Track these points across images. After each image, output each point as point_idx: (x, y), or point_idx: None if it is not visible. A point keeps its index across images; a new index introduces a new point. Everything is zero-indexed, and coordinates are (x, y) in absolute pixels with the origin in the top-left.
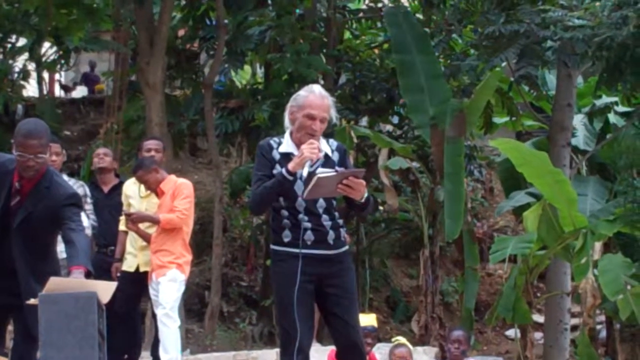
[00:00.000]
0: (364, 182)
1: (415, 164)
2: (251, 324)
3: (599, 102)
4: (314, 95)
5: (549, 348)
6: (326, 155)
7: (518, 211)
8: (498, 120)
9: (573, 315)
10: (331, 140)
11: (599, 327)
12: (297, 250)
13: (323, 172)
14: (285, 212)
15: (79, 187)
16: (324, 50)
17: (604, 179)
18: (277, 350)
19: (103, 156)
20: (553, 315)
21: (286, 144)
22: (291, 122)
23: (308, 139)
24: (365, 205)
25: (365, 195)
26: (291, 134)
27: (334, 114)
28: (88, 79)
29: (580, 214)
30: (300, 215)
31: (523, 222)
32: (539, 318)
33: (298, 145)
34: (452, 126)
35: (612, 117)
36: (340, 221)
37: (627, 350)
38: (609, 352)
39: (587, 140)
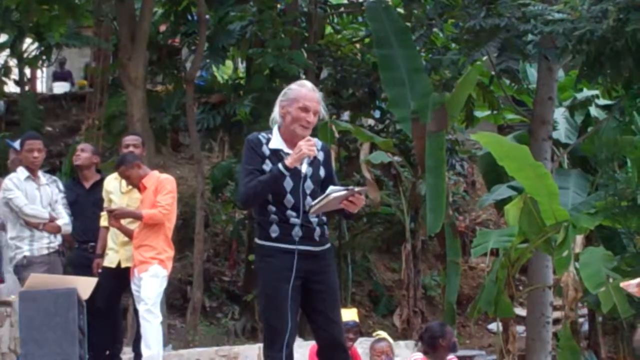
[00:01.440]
0: (364, 199)
1: (396, 158)
2: (233, 319)
3: (580, 96)
4: (306, 89)
5: (531, 341)
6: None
7: (500, 205)
8: (479, 113)
9: (555, 309)
10: (316, 140)
11: (581, 320)
12: (286, 246)
13: (336, 190)
14: (272, 208)
15: (51, 182)
16: (306, 45)
17: (585, 172)
18: (260, 345)
19: (80, 152)
20: (535, 308)
21: (275, 140)
22: (282, 116)
23: (301, 132)
24: (353, 216)
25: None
26: (279, 129)
27: (323, 108)
28: (57, 77)
29: (561, 207)
30: (289, 211)
31: (504, 216)
32: (521, 311)
33: (288, 141)
34: (433, 120)
35: (593, 110)
36: (325, 218)
37: (610, 343)
38: (591, 345)
39: (568, 134)
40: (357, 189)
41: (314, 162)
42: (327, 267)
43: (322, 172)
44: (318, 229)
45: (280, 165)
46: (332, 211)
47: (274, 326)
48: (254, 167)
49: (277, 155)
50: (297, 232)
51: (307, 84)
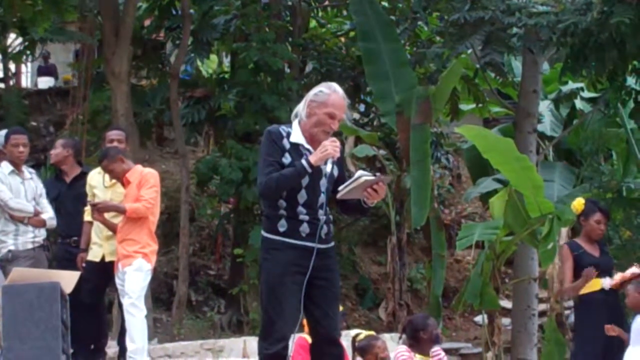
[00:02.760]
0: (385, 188)
1: (381, 152)
2: (219, 313)
3: (565, 88)
4: (337, 95)
5: (517, 333)
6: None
7: (486, 198)
8: (465, 107)
9: (541, 301)
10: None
11: (567, 312)
12: (293, 241)
13: (365, 175)
14: (283, 203)
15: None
16: (290, 39)
17: (570, 164)
18: (245, 338)
19: (51, 151)
20: (521, 301)
21: (296, 135)
22: (308, 115)
23: (323, 136)
24: (369, 209)
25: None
26: (299, 124)
27: (347, 115)
28: (42, 72)
29: (546, 200)
30: (299, 208)
31: (490, 209)
32: (507, 304)
33: (309, 138)
34: (418, 113)
35: (578, 103)
36: (331, 217)
37: None
38: None
39: (553, 126)
40: (382, 176)
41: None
42: (331, 264)
43: (335, 171)
44: (325, 227)
45: (305, 162)
46: (350, 209)
47: (272, 319)
48: (275, 159)
49: (297, 149)
50: (304, 228)
51: (339, 90)
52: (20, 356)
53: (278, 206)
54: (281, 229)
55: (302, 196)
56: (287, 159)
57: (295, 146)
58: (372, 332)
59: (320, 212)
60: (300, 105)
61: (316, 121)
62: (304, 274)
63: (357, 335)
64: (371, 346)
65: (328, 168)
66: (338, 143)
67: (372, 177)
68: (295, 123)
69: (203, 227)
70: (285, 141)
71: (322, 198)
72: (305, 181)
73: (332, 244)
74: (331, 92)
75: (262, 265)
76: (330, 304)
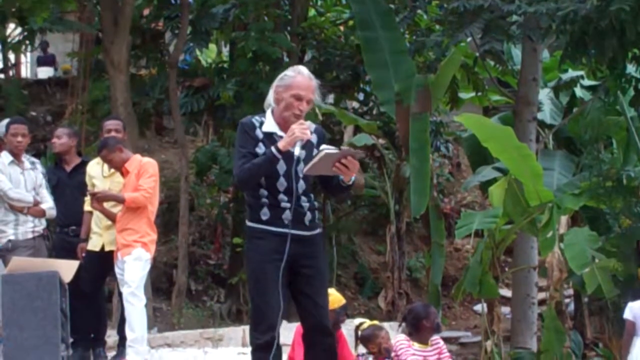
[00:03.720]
0: (358, 164)
1: (380, 141)
2: (219, 302)
3: (565, 76)
4: (302, 77)
5: (516, 322)
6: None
7: (485, 186)
8: (464, 95)
9: (540, 289)
10: (309, 122)
11: (567, 300)
12: (276, 229)
13: (328, 148)
14: (264, 191)
15: (33, 165)
16: (289, 28)
17: (570, 153)
18: (245, 327)
19: (55, 140)
20: (520, 289)
21: (269, 124)
22: (276, 101)
23: (294, 119)
24: (348, 187)
25: (353, 177)
26: (272, 112)
27: (318, 95)
28: (41, 62)
29: (546, 188)
30: (280, 195)
31: (489, 197)
32: (506, 292)
33: (281, 125)
34: (417, 102)
35: (578, 91)
36: (316, 203)
37: (595, 323)
38: (577, 325)
39: (553, 115)
40: (348, 149)
41: (307, 145)
42: (316, 251)
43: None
44: (309, 214)
45: (273, 148)
46: (330, 188)
47: (260, 308)
48: (248, 150)
49: (270, 138)
50: (287, 215)
51: (304, 72)
52: (20, 345)
53: (260, 195)
54: (264, 217)
55: (282, 184)
56: (260, 148)
57: (269, 135)
58: (376, 322)
59: (303, 198)
60: (269, 93)
61: (284, 106)
62: (289, 262)
63: (360, 324)
64: (375, 336)
65: (296, 152)
66: (307, 125)
67: (336, 151)
68: (268, 112)
69: (202, 216)
70: (258, 131)
71: (302, 184)
72: (282, 169)
73: (318, 230)
74: (296, 74)
75: (247, 254)
76: (318, 292)
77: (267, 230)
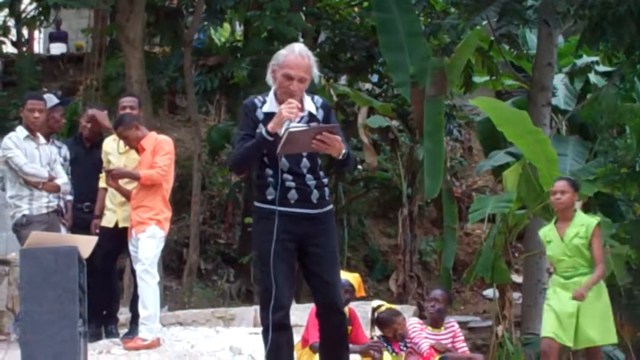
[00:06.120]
0: (338, 138)
1: (394, 123)
2: (229, 282)
3: (579, 62)
4: (294, 55)
5: (527, 308)
6: (310, 114)
7: (497, 171)
8: (478, 79)
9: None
10: (316, 98)
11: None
12: (280, 208)
13: (295, 127)
14: (269, 171)
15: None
16: (304, 8)
17: (584, 138)
18: (256, 307)
19: (85, 124)
20: (531, 275)
21: (270, 103)
22: (273, 80)
23: (286, 99)
24: (345, 162)
25: (344, 151)
26: (275, 92)
27: (315, 73)
28: (53, 38)
29: (560, 174)
30: (285, 175)
31: (502, 182)
32: (517, 278)
33: (281, 104)
34: (432, 85)
35: (592, 77)
36: (325, 180)
37: None
38: None
39: (567, 100)
40: (320, 125)
41: (311, 121)
42: (325, 230)
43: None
44: (316, 192)
45: (263, 130)
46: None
47: (267, 288)
48: (246, 132)
49: (271, 118)
50: (292, 195)
51: (296, 50)
52: (38, 319)
53: (265, 175)
54: (269, 197)
55: (284, 164)
56: (261, 129)
57: (270, 115)
58: (393, 306)
59: (309, 176)
60: (268, 72)
61: (278, 84)
62: (295, 241)
63: (378, 306)
64: (391, 321)
65: (281, 132)
66: (294, 104)
67: (302, 128)
68: (271, 92)
69: (213, 195)
70: (259, 111)
71: (306, 162)
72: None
73: (328, 208)
74: (289, 52)
75: (253, 234)
76: (327, 270)
77: (272, 210)
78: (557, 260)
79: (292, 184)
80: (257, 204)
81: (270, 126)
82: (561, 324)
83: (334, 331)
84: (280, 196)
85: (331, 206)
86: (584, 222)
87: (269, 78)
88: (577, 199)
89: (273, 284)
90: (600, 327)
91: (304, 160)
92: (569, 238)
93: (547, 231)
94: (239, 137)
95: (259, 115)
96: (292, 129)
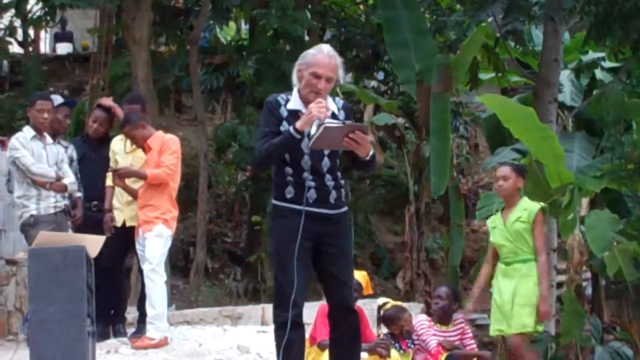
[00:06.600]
0: (369, 138)
1: (400, 120)
2: (236, 280)
3: (585, 58)
4: (322, 55)
5: None
6: (333, 114)
7: None
8: (484, 76)
9: (559, 272)
10: (337, 99)
11: (584, 284)
12: (299, 207)
13: (331, 123)
14: (289, 169)
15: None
16: (310, 6)
17: (590, 135)
18: (263, 306)
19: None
20: None
21: (294, 101)
22: (298, 79)
23: (314, 97)
24: (370, 163)
25: (371, 152)
26: (299, 91)
27: (341, 74)
28: (59, 38)
29: (567, 170)
30: (305, 174)
31: None
32: None
33: (305, 103)
34: (438, 82)
35: (598, 73)
36: (342, 181)
37: (613, 307)
38: (594, 309)
39: (573, 96)
40: (355, 124)
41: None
42: (341, 230)
43: None
44: (334, 192)
45: (291, 128)
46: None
47: (282, 285)
48: (270, 129)
49: (295, 116)
50: (311, 194)
51: (325, 50)
52: (46, 319)
53: (285, 173)
54: (288, 196)
55: (306, 162)
56: (284, 126)
57: (294, 113)
58: (399, 303)
59: (328, 177)
60: (293, 72)
61: (305, 83)
62: (311, 240)
63: (384, 304)
64: (397, 318)
65: (313, 131)
66: (324, 103)
67: (338, 125)
68: (294, 90)
69: (220, 194)
70: (282, 109)
71: (327, 162)
72: (306, 147)
73: (344, 209)
74: (317, 52)
75: (271, 232)
76: (343, 270)
77: (291, 209)
78: (499, 246)
79: (312, 184)
80: (275, 202)
81: (299, 124)
82: (505, 317)
83: (349, 330)
84: (299, 195)
85: (347, 208)
86: (527, 207)
87: (294, 78)
88: (584, 195)
89: (295, 282)
90: (533, 315)
91: (325, 159)
92: (510, 222)
93: (494, 218)
94: (262, 133)
95: (283, 113)
96: (328, 125)
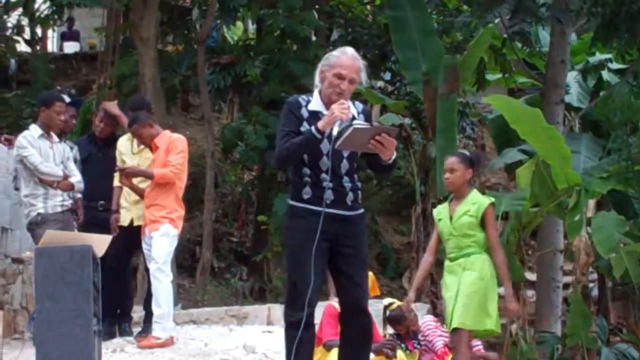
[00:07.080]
0: (395, 142)
1: (407, 120)
2: (242, 280)
3: (592, 59)
4: (346, 56)
5: (541, 306)
6: (352, 117)
7: (510, 168)
8: (490, 77)
9: (565, 273)
10: (357, 103)
11: (590, 285)
12: (316, 208)
13: (359, 124)
14: (307, 170)
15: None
16: (317, 6)
17: (597, 136)
18: (269, 306)
19: (103, 125)
20: (545, 273)
21: (315, 102)
22: (321, 80)
23: (336, 98)
24: (392, 166)
25: (394, 156)
26: (320, 92)
27: (364, 76)
28: (66, 37)
29: (573, 171)
30: (323, 175)
31: (516, 179)
32: (531, 276)
33: (327, 104)
34: (445, 82)
35: (605, 74)
36: (359, 184)
37: (619, 308)
38: (600, 310)
39: (580, 98)
40: (383, 126)
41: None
42: (357, 232)
43: None
44: (351, 194)
45: (312, 128)
46: (373, 165)
47: (296, 285)
48: (290, 129)
49: (315, 117)
50: (329, 195)
51: (348, 52)
52: (52, 318)
53: (303, 174)
54: (305, 196)
55: (325, 163)
56: (305, 127)
57: (314, 114)
58: (405, 303)
59: (346, 178)
60: (315, 73)
61: (328, 84)
62: (328, 241)
63: (390, 304)
64: (403, 318)
65: (335, 132)
66: (347, 105)
67: (366, 126)
68: (315, 92)
69: (226, 193)
70: (303, 110)
71: (345, 164)
72: (325, 148)
73: (360, 211)
74: (340, 54)
75: (287, 232)
76: (358, 272)
77: (308, 209)
78: (445, 240)
79: (330, 185)
80: (292, 202)
81: (320, 124)
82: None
83: (361, 332)
84: (316, 195)
85: (363, 210)
86: (477, 201)
87: (315, 79)
88: (590, 197)
89: (311, 282)
90: (477, 310)
91: (344, 161)
92: (457, 216)
93: (440, 209)
94: (283, 132)
95: (304, 114)
96: (356, 126)
